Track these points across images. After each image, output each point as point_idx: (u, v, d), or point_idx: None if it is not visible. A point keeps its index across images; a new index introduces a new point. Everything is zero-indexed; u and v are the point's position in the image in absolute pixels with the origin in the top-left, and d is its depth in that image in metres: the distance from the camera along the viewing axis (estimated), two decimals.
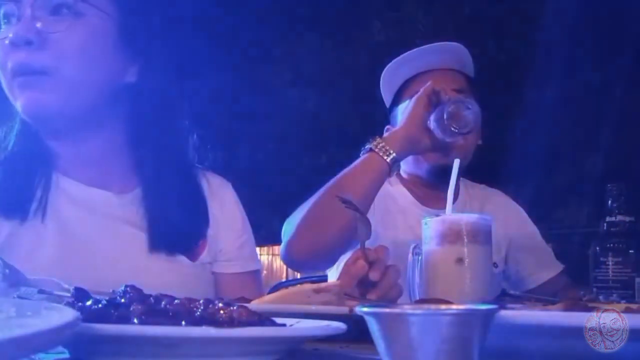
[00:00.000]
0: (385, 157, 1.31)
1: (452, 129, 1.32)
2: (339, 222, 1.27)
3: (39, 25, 0.99)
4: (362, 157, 1.35)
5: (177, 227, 1.09)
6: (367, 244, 1.49)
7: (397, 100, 1.63)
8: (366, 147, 1.35)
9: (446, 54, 1.59)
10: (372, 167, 1.33)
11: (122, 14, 1.05)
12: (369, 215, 1.44)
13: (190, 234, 1.12)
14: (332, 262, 1.49)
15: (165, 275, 1.05)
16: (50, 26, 0.99)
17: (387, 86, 1.68)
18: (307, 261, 1.35)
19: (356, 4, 7.48)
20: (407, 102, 1.52)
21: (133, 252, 1.07)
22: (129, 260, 1.06)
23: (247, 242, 1.23)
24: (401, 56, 1.63)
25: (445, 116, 1.33)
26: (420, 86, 1.46)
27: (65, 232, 1.05)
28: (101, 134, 1.09)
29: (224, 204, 1.22)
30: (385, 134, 1.38)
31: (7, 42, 0.98)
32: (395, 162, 1.33)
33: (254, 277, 1.24)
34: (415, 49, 1.61)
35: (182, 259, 1.11)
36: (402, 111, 1.47)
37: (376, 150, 1.32)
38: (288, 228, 1.34)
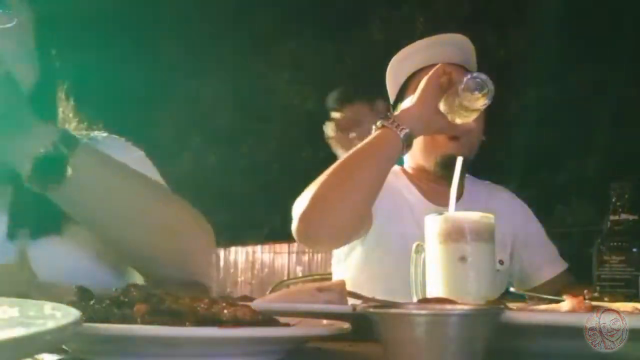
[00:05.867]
0: (398, 133, 1.31)
1: (466, 104, 1.31)
2: (356, 195, 1.30)
3: None
4: (375, 133, 1.35)
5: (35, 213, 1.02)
6: (372, 237, 1.49)
7: (401, 95, 1.62)
8: (378, 124, 1.35)
9: (450, 48, 1.58)
10: (385, 143, 1.33)
11: (35, 14, 1.04)
12: (376, 210, 1.44)
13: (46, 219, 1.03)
14: (346, 237, 1.45)
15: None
16: None
17: (392, 80, 1.66)
18: (322, 233, 1.33)
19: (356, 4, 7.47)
20: (411, 97, 1.52)
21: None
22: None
23: None
24: (406, 48, 1.62)
25: (460, 90, 1.30)
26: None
27: None
28: None
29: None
30: (397, 112, 1.37)
31: None
32: (408, 139, 1.32)
33: None
34: (419, 41, 1.60)
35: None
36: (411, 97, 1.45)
37: (388, 126, 1.32)
38: (301, 202, 1.33)
